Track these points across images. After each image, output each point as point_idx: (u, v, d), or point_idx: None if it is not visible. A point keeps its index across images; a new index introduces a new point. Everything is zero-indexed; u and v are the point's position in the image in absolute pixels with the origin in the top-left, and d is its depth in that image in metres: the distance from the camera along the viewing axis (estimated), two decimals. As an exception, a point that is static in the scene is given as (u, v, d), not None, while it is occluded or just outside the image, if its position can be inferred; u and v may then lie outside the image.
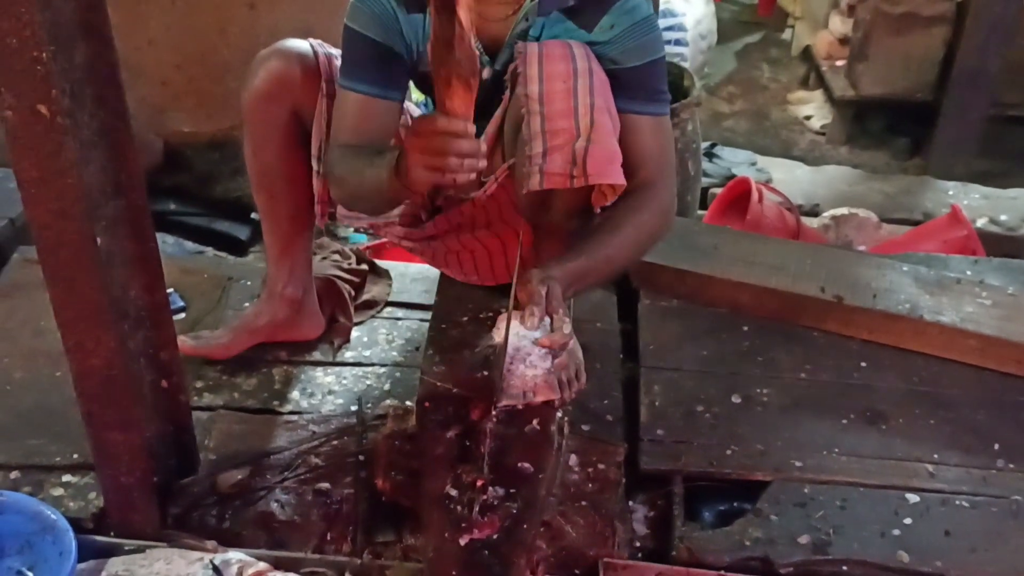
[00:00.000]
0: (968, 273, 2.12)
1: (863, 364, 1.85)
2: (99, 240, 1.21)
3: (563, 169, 1.38)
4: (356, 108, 1.48)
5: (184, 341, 1.69)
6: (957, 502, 1.57)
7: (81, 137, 1.16)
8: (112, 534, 1.44)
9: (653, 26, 1.47)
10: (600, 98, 1.38)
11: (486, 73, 1.49)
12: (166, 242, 2.51)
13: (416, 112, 1.73)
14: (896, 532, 1.51)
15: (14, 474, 1.52)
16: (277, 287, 1.76)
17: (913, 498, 1.57)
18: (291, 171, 1.66)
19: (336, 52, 1.59)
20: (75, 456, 1.53)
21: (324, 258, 2.00)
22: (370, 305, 1.96)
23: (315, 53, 1.60)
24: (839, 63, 3.92)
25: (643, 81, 1.46)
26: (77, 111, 1.14)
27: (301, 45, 1.61)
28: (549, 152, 1.38)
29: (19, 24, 1.05)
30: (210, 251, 2.65)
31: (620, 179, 1.39)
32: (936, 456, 1.65)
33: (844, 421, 1.72)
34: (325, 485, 1.54)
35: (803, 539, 1.49)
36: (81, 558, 1.33)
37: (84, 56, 1.16)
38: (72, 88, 1.13)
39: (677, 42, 3.83)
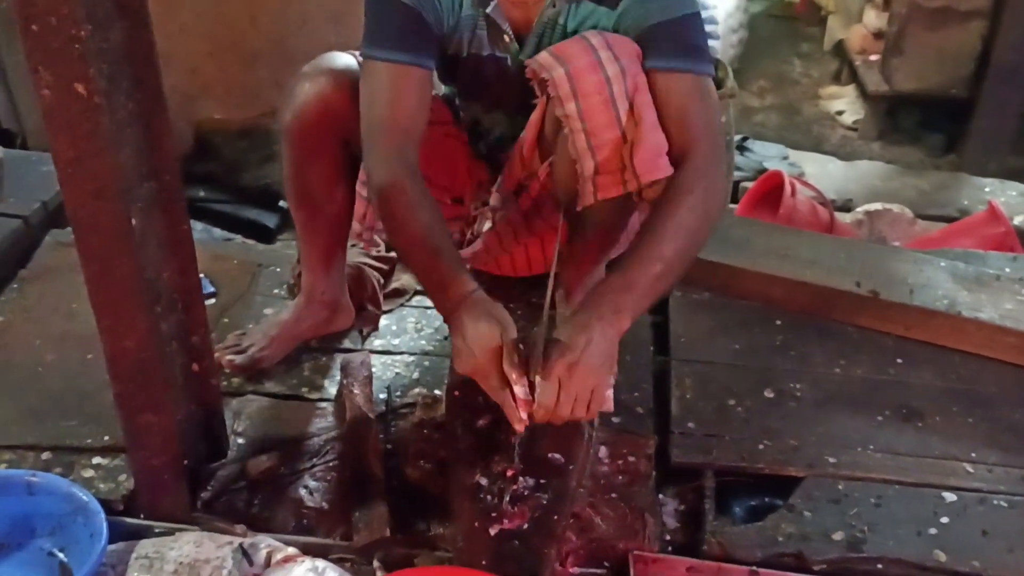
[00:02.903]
0: (1007, 270, 2.08)
1: (899, 360, 1.82)
2: (134, 221, 1.21)
3: (615, 179, 1.38)
4: (389, 79, 1.39)
5: (230, 359, 1.69)
6: (995, 501, 1.54)
7: (117, 117, 1.15)
8: (142, 516, 1.44)
9: None
10: (639, 94, 1.35)
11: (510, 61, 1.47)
12: (195, 229, 2.49)
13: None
14: (932, 531, 1.48)
15: (45, 455, 1.52)
16: (316, 293, 1.74)
17: (950, 497, 1.54)
18: (334, 190, 1.61)
19: None
20: (106, 438, 1.54)
21: (353, 245, 1.99)
22: (399, 293, 1.95)
23: None
24: (873, 58, 3.87)
25: (674, 36, 1.36)
26: (113, 91, 1.14)
27: (349, 63, 1.52)
28: (600, 167, 1.38)
29: (58, 1, 1.04)
30: (238, 238, 2.65)
31: (668, 171, 1.37)
32: (974, 455, 1.62)
33: (879, 418, 1.69)
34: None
35: (837, 536, 1.46)
36: (111, 540, 1.33)
37: (121, 36, 1.15)
38: (109, 68, 1.12)
39: (709, 35, 3.79)
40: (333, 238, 1.70)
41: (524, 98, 1.49)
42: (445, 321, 1.33)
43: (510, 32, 1.45)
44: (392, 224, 1.38)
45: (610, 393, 1.31)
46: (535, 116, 1.49)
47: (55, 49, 1.06)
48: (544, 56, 1.37)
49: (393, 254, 1.99)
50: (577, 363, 1.23)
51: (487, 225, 1.62)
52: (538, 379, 1.25)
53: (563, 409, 1.25)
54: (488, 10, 1.43)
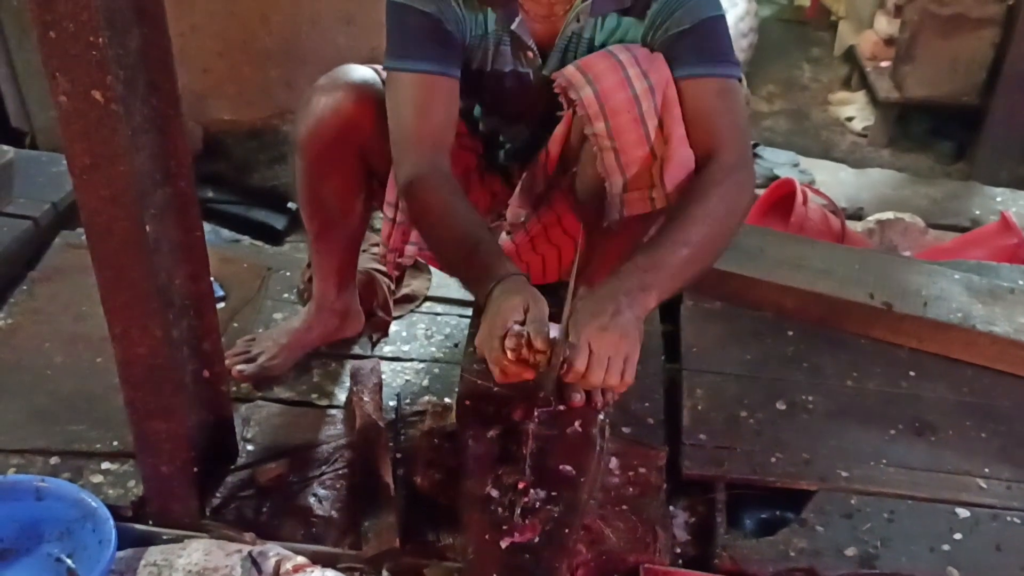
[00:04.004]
0: (1021, 283, 2.07)
1: (911, 373, 1.81)
2: (148, 228, 1.20)
3: (643, 195, 1.38)
4: (416, 90, 1.37)
5: (240, 370, 1.68)
6: (1008, 518, 1.53)
7: (133, 124, 1.14)
8: (151, 523, 1.44)
9: None
10: (668, 110, 1.34)
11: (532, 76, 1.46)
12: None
13: None
14: (945, 547, 1.47)
15: (54, 459, 1.51)
16: (327, 302, 1.73)
17: (963, 512, 1.53)
18: (350, 204, 1.60)
19: None
20: (115, 443, 1.53)
21: (364, 251, 1.98)
22: (409, 299, 1.94)
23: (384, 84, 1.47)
24: (884, 64, 3.85)
25: (701, 41, 1.35)
26: (130, 97, 1.13)
27: (366, 76, 1.48)
28: (629, 185, 1.37)
29: (76, 8, 1.03)
30: (247, 240, 2.64)
31: (687, 167, 1.36)
32: (987, 470, 1.61)
33: (892, 431, 1.68)
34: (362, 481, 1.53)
35: (850, 551, 1.46)
36: (120, 546, 1.33)
37: (138, 42, 1.14)
38: (126, 74, 1.11)
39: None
40: (347, 250, 1.69)
41: (547, 110, 1.47)
42: (482, 306, 1.27)
43: (534, 48, 1.44)
44: (427, 220, 1.36)
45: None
46: (560, 131, 1.47)
47: (73, 56, 1.05)
48: (572, 71, 1.35)
49: (403, 260, 1.98)
50: (607, 328, 1.19)
51: (504, 237, 1.61)
52: (569, 341, 1.19)
53: (594, 374, 1.19)
54: (513, 26, 1.41)
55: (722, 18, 1.37)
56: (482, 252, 1.30)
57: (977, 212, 2.89)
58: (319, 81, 1.51)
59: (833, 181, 3.02)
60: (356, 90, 1.47)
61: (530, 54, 1.44)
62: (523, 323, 1.19)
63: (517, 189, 1.58)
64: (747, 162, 1.36)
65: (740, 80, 1.38)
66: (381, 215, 1.57)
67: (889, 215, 2.64)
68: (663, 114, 1.34)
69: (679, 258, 1.26)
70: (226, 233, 2.63)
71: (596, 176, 1.40)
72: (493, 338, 1.20)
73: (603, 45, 1.41)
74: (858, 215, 2.77)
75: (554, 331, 1.22)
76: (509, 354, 1.18)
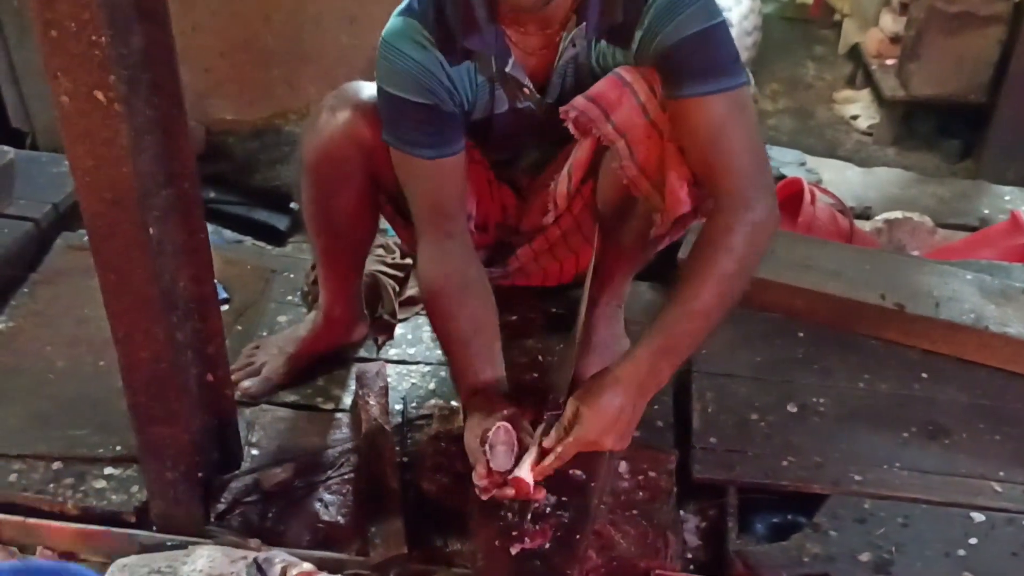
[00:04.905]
0: (1033, 283, 2.04)
1: (924, 375, 1.79)
2: (151, 230, 1.18)
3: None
4: (424, 172, 1.38)
5: (246, 387, 1.66)
6: (1024, 522, 1.51)
7: (136, 124, 1.12)
8: (155, 529, 1.42)
9: None
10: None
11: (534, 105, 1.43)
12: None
13: None
14: (961, 552, 1.45)
15: (56, 465, 1.50)
16: (334, 312, 1.70)
17: (978, 517, 1.51)
18: (359, 220, 1.58)
19: None
20: (118, 448, 1.51)
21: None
22: (414, 301, 1.92)
23: None
24: (889, 62, 3.82)
25: (699, 54, 1.25)
26: (133, 97, 1.11)
27: (375, 94, 1.43)
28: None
29: (77, 7, 1.01)
30: (249, 240, 2.63)
31: (687, 205, 1.33)
32: (1002, 473, 1.59)
33: (905, 434, 1.66)
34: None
35: (864, 557, 1.43)
36: (124, 554, 1.31)
37: (141, 41, 1.12)
38: (128, 74, 1.09)
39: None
40: (354, 262, 1.67)
41: (554, 134, 1.43)
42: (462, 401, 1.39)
43: (530, 85, 1.39)
44: (435, 321, 1.43)
45: None
46: (581, 158, 1.43)
47: (74, 55, 1.04)
48: (586, 105, 1.31)
49: (409, 261, 1.96)
50: (609, 430, 1.23)
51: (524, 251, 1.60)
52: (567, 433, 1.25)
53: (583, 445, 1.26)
54: (508, 69, 1.35)
55: (721, 24, 1.26)
56: (470, 353, 1.36)
57: (986, 211, 2.86)
58: (326, 100, 1.48)
59: (840, 180, 3.00)
60: (366, 109, 1.44)
61: (527, 91, 1.39)
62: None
63: (534, 203, 1.56)
64: (761, 188, 1.26)
65: (747, 83, 1.31)
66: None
67: (897, 214, 2.61)
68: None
69: (693, 331, 1.26)
70: (228, 234, 2.61)
71: (616, 184, 1.38)
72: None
73: (600, 66, 1.36)
74: (866, 214, 2.75)
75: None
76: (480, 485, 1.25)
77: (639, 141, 1.31)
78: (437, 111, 1.35)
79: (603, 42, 1.35)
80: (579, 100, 1.32)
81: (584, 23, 1.31)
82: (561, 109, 1.34)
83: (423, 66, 1.32)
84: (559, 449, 1.23)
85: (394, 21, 1.34)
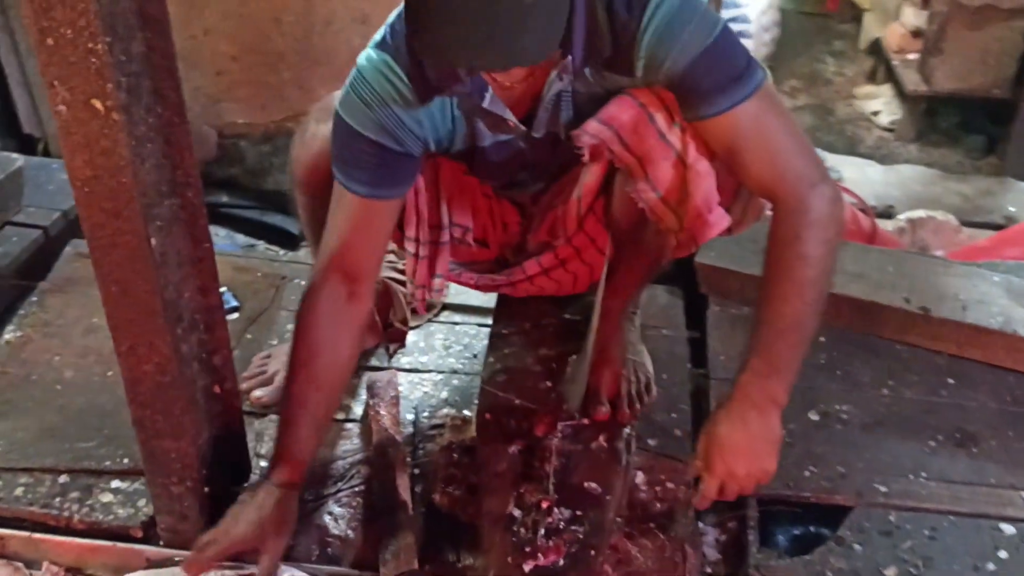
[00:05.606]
0: (1063, 284, 1.98)
1: (951, 381, 1.74)
2: (153, 241, 1.15)
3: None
4: (350, 210, 1.30)
5: (258, 396, 1.65)
6: (1057, 535, 1.45)
7: (136, 133, 1.09)
8: (161, 544, 1.39)
9: (691, 13, 1.18)
10: (691, 147, 1.26)
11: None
12: (218, 235, 2.48)
13: None
14: (991, 566, 1.40)
15: (63, 478, 1.48)
16: None
17: (1008, 529, 1.46)
18: None
19: None
20: (125, 461, 1.49)
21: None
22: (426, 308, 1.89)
23: None
24: (911, 56, 3.76)
25: (712, 72, 1.18)
26: (133, 106, 1.08)
27: None
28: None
29: (74, 13, 0.98)
30: (261, 244, 2.61)
31: (719, 227, 1.29)
32: (1032, 484, 1.54)
33: (931, 443, 1.61)
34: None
35: (890, 571, 1.39)
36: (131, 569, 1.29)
37: (141, 48, 1.09)
38: (128, 82, 1.06)
39: (740, 34, 3.66)
40: None
41: (551, 166, 1.39)
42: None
43: (512, 117, 1.30)
44: (294, 343, 1.38)
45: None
46: (591, 184, 1.38)
47: (71, 63, 1.01)
48: (598, 128, 1.26)
49: (434, 296, 1.90)
50: (740, 464, 1.25)
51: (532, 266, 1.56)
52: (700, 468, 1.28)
53: (729, 494, 1.28)
54: (485, 104, 1.27)
55: (721, 36, 1.18)
56: (286, 432, 1.35)
57: (1012, 209, 2.81)
58: (312, 112, 1.44)
59: (861, 178, 2.94)
60: None
61: (511, 123, 1.30)
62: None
63: (539, 222, 1.52)
64: (814, 182, 1.21)
65: (765, 76, 1.23)
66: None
67: (920, 213, 2.56)
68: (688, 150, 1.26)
69: (792, 344, 1.24)
70: (241, 238, 2.60)
71: (631, 206, 1.32)
72: None
73: (604, 90, 1.28)
74: (888, 213, 2.70)
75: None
76: None
77: (654, 162, 1.25)
78: (386, 152, 1.28)
79: (600, 72, 1.27)
80: (591, 124, 1.26)
81: (570, 57, 1.22)
82: (573, 133, 1.27)
83: (386, 104, 1.26)
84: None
85: (368, 52, 1.28)
